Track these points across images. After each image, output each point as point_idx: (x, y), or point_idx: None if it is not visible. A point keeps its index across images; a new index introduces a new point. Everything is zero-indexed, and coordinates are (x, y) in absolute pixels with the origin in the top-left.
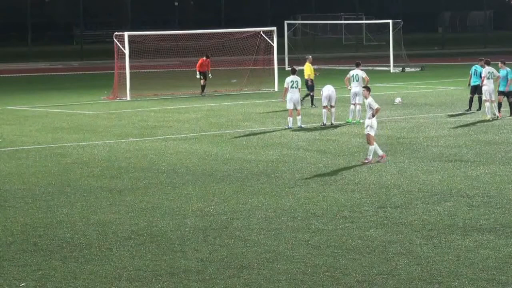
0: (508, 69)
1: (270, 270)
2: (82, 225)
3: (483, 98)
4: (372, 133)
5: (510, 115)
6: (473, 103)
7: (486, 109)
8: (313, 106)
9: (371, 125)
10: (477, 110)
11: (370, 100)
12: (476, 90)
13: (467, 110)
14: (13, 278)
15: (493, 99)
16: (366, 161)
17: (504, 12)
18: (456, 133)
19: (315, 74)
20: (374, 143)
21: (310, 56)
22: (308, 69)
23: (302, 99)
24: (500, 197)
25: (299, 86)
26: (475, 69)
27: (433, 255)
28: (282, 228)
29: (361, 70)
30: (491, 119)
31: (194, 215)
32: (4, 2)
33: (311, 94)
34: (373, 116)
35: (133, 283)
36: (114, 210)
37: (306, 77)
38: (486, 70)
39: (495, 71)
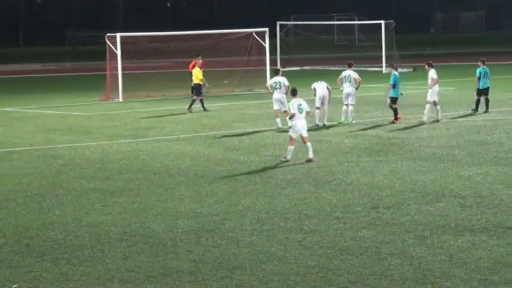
0: (396, 73)
1: (262, 271)
2: (74, 227)
3: (429, 99)
4: (294, 135)
5: (393, 122)
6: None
7: (427, 111)
8: (191, 110)
9: (293, 127)
10: (485, 111)
11: (291, 101)
12: (483, 92)
13: (474, 110)
14: (5, 280)
15: (436, 100)
16: (284, 159)
17: (496, 12)
18: (448, 134)
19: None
20: (291, 146)
21: (201, 60)
22: (197, 74)
23: (203, 106)
24: (492, 198)
25: (286, 85)
26: (485, 71)
27: (425, 255)
28: (274, 229)
29: (354, 71)
30: (428, 121)
31: (187, 216)
32: None
33: (201, 98)
34: (290, 118)
35: (125, 285)
36: (106, 211)
37: (197, 81)
38: (433, 71)
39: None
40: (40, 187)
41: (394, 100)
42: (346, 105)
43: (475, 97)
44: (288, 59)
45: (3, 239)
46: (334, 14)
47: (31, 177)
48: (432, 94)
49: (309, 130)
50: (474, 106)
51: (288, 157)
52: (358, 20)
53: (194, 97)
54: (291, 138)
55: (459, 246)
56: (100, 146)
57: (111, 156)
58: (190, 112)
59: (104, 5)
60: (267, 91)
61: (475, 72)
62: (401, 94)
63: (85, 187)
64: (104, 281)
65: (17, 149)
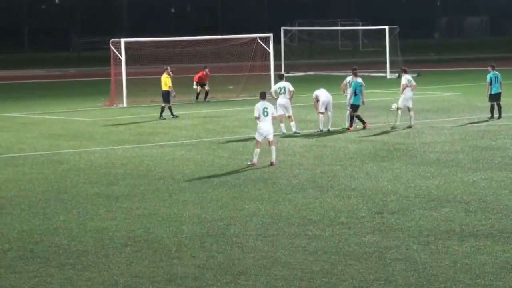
0: (357, 80)
1: (267, 276)
2: (79, 232)
3: (399, 105)
4: (259, 139)
5: (348, 128)
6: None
7: (397, 117)
8: (163, 117)
9: (258, 129)
10: (498, 118)
11: (257, 104)
12: (495, 97)
13: (490, 118)
14: (9, 285)
15: (410, 106)
16: (250, 163)
17: (500, 17)
18: (452, 139)
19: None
20: (258, 149)
21: (168, 67)
22: (166, 81)
23: (172, 113)
24: (496, 203)
25: (290, 90)
26: (495, 76)
27: (430, 260)
28: (279, 234)
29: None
30: (396, 126)
31: (191, 222)
32: (0, 8)
33: (169, 105)
34: (257, 119)
35: None
36: (111, 216)
37: (166, 88)
38: (405, 78)
39: (412, 79)
40: (44, 192)
41: (354, 107)
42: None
43: (488, 103)
44: (292, 65)
45: (8, 244)
46: (338, 20)
47: (36, 182)
48: (403, 100)
49: (312, 135)
50: (490, 114)
51: (254, 160)
52: (362, 25)
53: (163, 105)
54: (257, 141)
55: (464, 251)
56: (104, 151)
57: (116, 161)
58: (163, 119)
59: (108, 10)
60: (272, 97)
61: (480, 77)
62: (363, 103)
63: (89, 193)
64: (108, 287)
65: (22, 154)
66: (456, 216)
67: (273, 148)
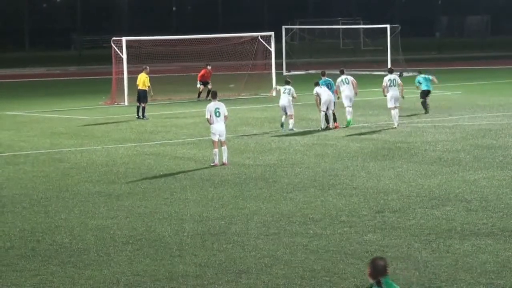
0: (324, 79)
1: (268, 275)
2: (80, 230)
3: (389, 106)
4: (215, 139)
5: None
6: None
7: (393, 117)
8: (141, 117)
9: (212, 130)
10: (425, 113)
11: (208, 105)
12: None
13: (425, 113)
14: (11, 283)
15: (396, 105)
16: (212, 164)
17: (501, 17)
18: (453, 138)
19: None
20: (215, 149)
21: (148, 67)
22: (145, 80)
23: (143, 114)
24: (498, 202)
25: (292, 92)
26: (423, 78)
27: (431, 259)
28: (280, 232)
29: (348, 75)
30: (397, 126)
31: (192, 220)
32: (1, 7)
33: (143, 105)
34: (208, 120)
35: None
36: (112, 215)
37: (142, 87)
38: (387, 78)
39: (397, 78)
40: (46, 190)
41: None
42: (349, 107)
43: (421, 99)
44: (294, 63)
45: (9, 242)
46: (340, 18)
47: (37, 180)
48: (392, 100)
49: (313, 134)
50: (424, 110)
51: (216, 161)
52: (364, 24)
53: (143, 104)
54: (213, 142)
55: (465, 250)
56: (105, 150)
57: (117, 160)
58: (147, 119)
59: (109, 9)
60: (274, 89)
61: (481, 77)
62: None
63: (91, 191)
64: (109, 285)
65: (23, 153)
66: (457, 215)
67: (225, 148)
